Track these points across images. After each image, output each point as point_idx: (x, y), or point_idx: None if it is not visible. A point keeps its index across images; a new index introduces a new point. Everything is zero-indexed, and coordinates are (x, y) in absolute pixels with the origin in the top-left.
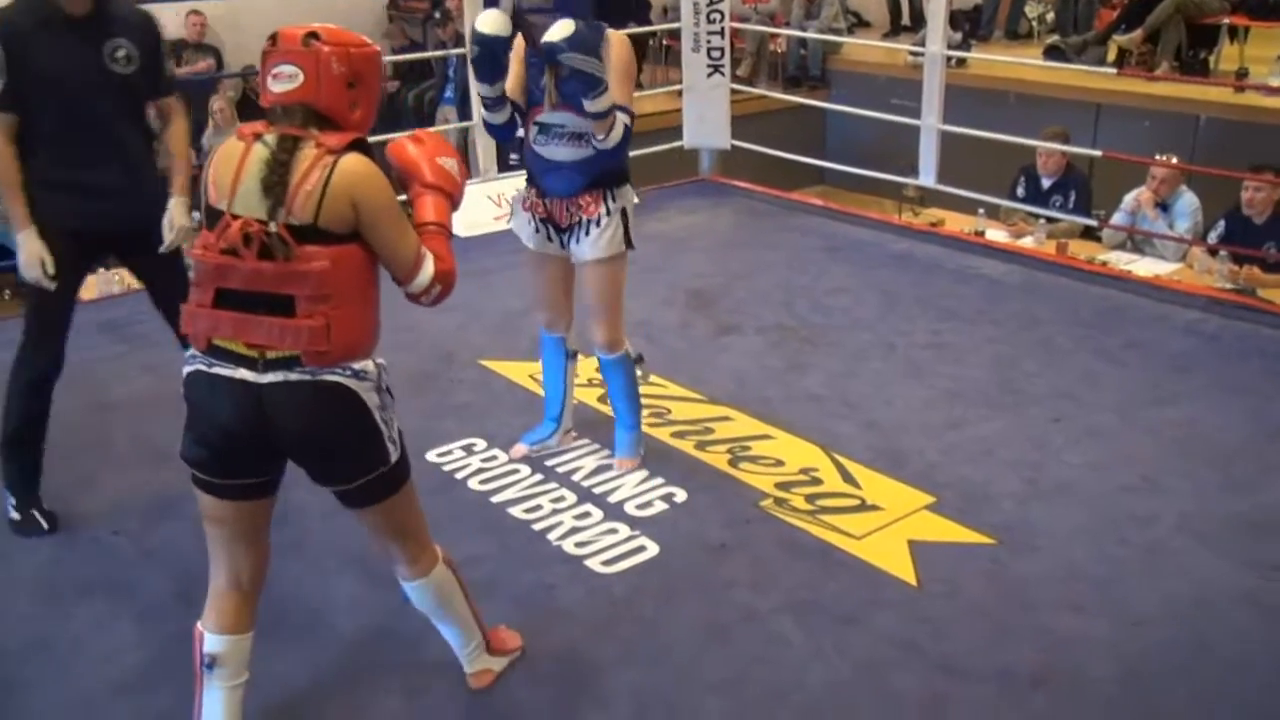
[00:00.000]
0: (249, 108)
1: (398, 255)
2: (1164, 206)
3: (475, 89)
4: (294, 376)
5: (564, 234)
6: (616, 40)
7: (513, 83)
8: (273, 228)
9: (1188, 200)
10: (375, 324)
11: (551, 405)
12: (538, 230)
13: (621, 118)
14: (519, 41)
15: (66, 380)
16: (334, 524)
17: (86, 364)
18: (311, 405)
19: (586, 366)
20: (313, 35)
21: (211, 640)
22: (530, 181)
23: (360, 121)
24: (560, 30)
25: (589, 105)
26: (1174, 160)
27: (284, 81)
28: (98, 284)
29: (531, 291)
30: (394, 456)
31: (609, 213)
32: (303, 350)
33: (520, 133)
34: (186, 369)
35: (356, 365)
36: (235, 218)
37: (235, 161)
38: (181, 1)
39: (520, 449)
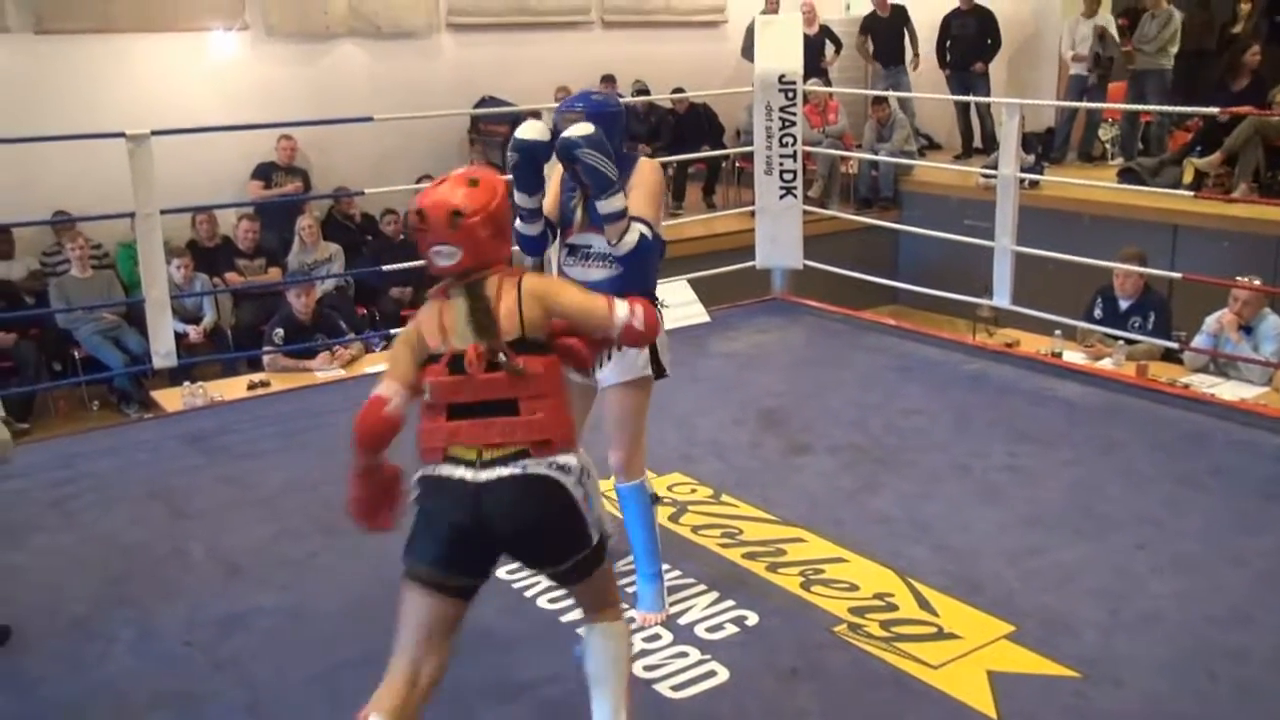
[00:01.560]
0: (334, 227)
1: (592, 314)
2: (1248, 329)
3: (514, 198)
4: (506, 471)
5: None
6: (647, 165)
7: (549, 202)
8: (496, 347)
9: (1272, 323)
10: (572, 423)
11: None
12: None
13: (639, 227)
14: (558, 168)
15: (148, 490)
16: None
17: (167, 475)
18: (529, 496)
19: (658, 486)
20: (457, 214)
21: None
22: None
23: (504, 244)
24: (580, 129)
25: (600, 205)
26: (1257, 282)
27: (446, 259)
28: (182, 397)
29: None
30: (595, 539)
31: None
32: (531, 441)
33: (550, 252)
34: (420, 481)
35: (561, 460)
36: (459, 350)
37: (438, 318)
38: (275, 128)
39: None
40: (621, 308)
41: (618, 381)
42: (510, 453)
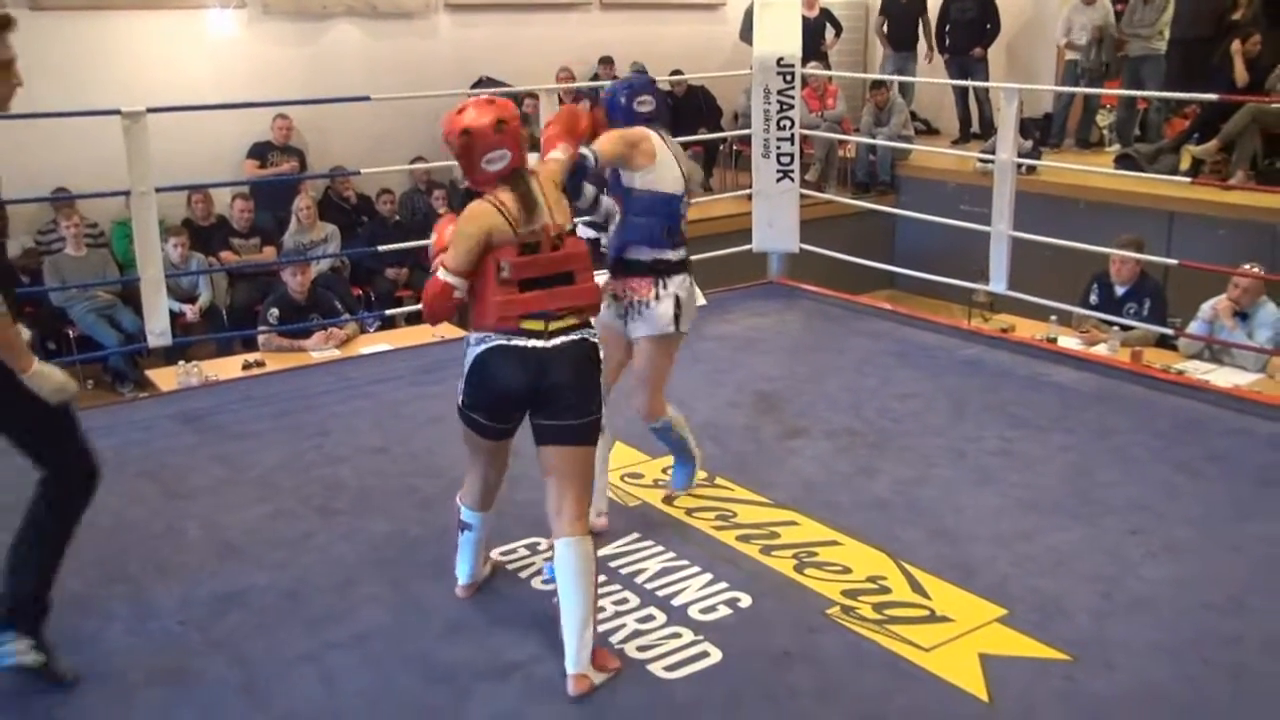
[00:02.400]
0: (330, 207)
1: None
2: (1244, 316)
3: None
4: (570, 338)
5: (631, 308)
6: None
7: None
8: (553, 230)
9: (1269, 310)
10: None
11: (672, 448)
12: (610, 306)
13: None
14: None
15: (141, 469)
16: None
17: (162, 454)
18: (581, 358)
19: (652, 469)
20: (500, 122)
21: (466, 513)
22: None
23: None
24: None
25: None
26: (1257, 269)
27: (499, 162)
28: (177, 376)
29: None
30: (600, 410)
31: (658, 297)
32: (587, 304)
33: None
34: (484, 348)
35: (594, 327)
36: (530, 231)
37: (505, 209)
38: (271, 107)
39: (672, 491)
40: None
41: (646, 335)
42: (568, 324)
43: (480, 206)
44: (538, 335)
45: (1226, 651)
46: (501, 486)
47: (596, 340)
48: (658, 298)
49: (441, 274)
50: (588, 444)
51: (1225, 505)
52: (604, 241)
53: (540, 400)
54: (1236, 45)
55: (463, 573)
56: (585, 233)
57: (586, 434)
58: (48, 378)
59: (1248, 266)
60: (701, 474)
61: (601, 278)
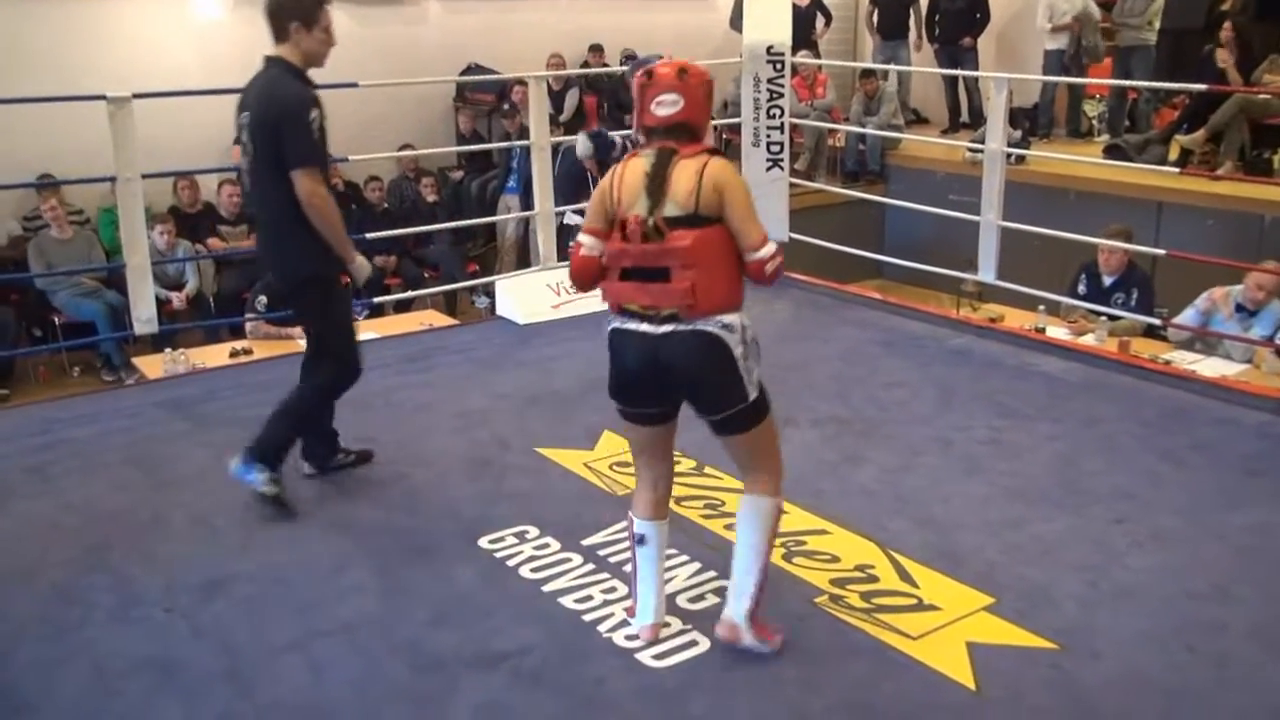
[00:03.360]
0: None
1: (748, 230)
2: (1250, 312)
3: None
4: (679, 327)
5: None
6: None
7: None
8: (650, 220)
9: (1275, 308)
10: (736, 288)
11: None
12: None
13: None
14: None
15: (127, 457)
16: None
17: (148, 442)
18: (694, 351)
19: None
20: (684, 70)
21: (639, 524)
22: None
23: (707, 133)
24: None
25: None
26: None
27: (669, 106)
28: (163, 363)
29: None
30: (752, 396)
31: None
32: (678, 305)
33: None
34: (608, 329)
35: (726, 320)
36: (626, 218)
37: (619, 179)
38: None
39: None
40: (769, 247)
41: None
42: (671, 313)
43: (615, 168)
44: (648, 319)
45: (1212, 639)
46: (662, 490)
47: (719, 334)
48: None
49: (580, 234)
50: (741, 432)
51: (1211, 494)
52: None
53: (666, 388)
54: (1224, 54)
55: (646, 608)
56: (572, 219)
57: (732, 426)
58: (362, 267)
59: (1273, 263)
60: (690, 462)
61: (563, 273)
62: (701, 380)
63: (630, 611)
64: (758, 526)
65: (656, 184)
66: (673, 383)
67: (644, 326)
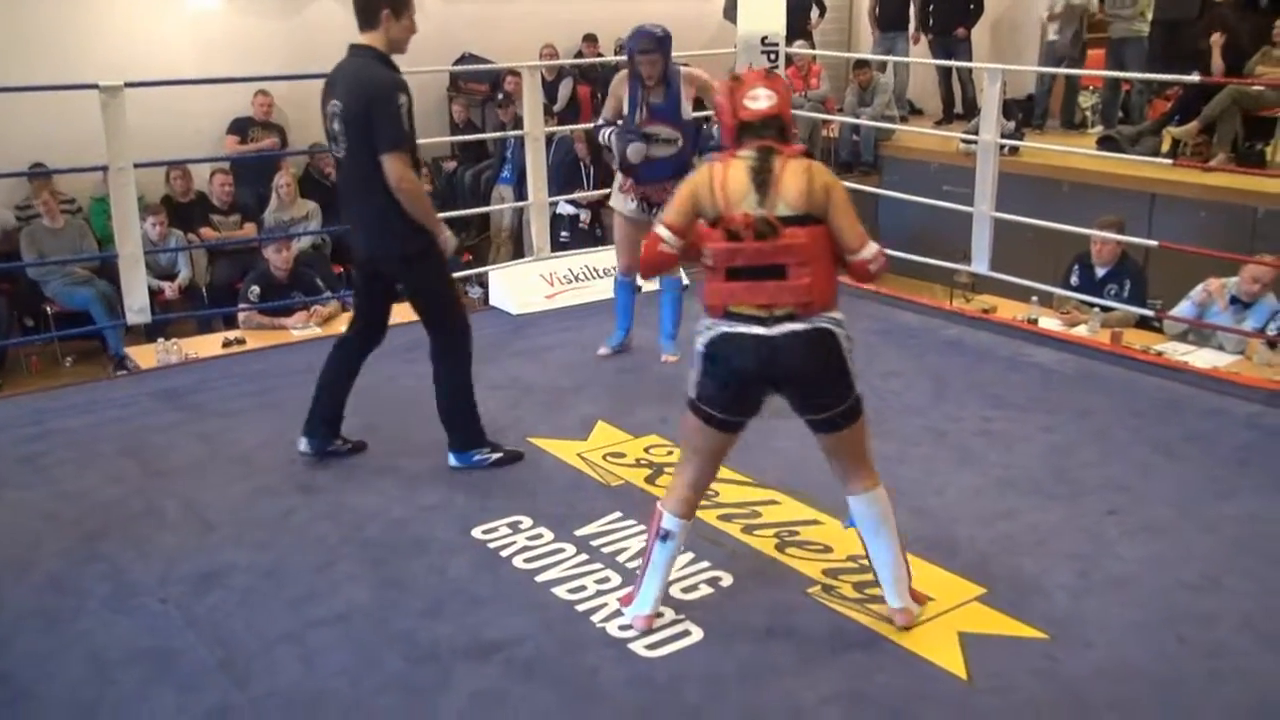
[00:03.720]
0: (310, 185)
1: (853, 232)
2: (1245, 304)
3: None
4: (797, 326)
5: (655, 207)
6: (692, 73)
7: (614, 107)
8: (763, 215)
9: (1270, 301)
10: (836, 283)
11: (623, 318)
12: (638, 205)
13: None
14: (620, 75)
15: (121, 447)
16: None
17: (141, 432)
18: (810, 348)
19: (634, 448)
20: (770, 70)
21: (669, 519)
22: (628, 173)
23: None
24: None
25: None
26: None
27: (763, 101)
28: (156, 354)
29: (619, 248)
30: (857, 390)
31: None
32: (798, 303)
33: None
34: (709, 335)
35: (835, 315)
36: (734, 217)
37: (721, 179)
38: (251, 82)
39: (603, 350)
40: (871, 248)
41: None
42: (790, 310)
43: (701, 168)
44: (760, 321)
45: (1202, 630)
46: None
47: (832, 329)
48: None
49: (656, 226)
50: (847, 427)
51: (1202, 485)
52: (583, 217)
53: (778, 390)
54: (1216, 37)
55: (647, 600)
56: (566, 209)
57: (838, 423)
58: (450, 239)
59: (1267, 256)
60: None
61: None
62: (817, 378)
63: (625, 600)
64: (884, 522)
65: (765, 181)
66: (785, 383)
67: (757, 329)
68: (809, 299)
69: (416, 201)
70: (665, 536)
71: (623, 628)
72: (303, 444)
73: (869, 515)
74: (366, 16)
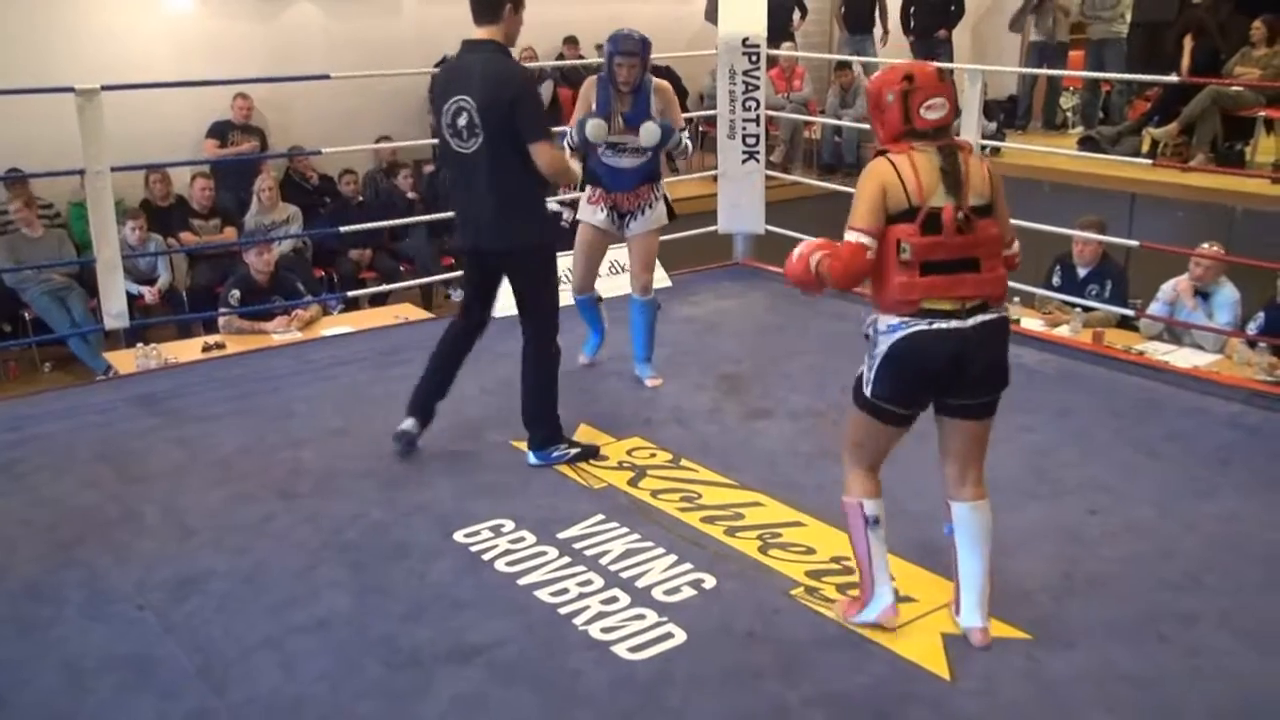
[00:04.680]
0: (291, 188)
1: (1008, 224)
2: (1204, 296)
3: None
4: (987, 317)
5: (625, 216)
6: (663, 85)
7: (583, 110)
8: (960, 212)
9: (1229, 292)
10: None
11: (595, 326)
12: (608, 215)
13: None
14: (589, 80)
15: (98, 453)
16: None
17: (119, 438)
18: (999, 336)
19: (617, 450)
20: (942, 72)
21: (871, 505)
22: (595, 184)
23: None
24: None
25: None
26: (1217, 248)
27: (939, 110)
28: (135, 358)
29: (579, 261)
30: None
31: (657, 198)
32: (993, 295)
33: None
34: (899, 335)
35: (1007, 305)
36: (934, 209)
37: (911, 172)
38: (229, 85)
39: (584, 359)
40: (1017, 244)
41: (647, 230)
42: (981, 302)
43: (877, 163)
44: (955, 315)
45: (1184, 628)
46: None
47: (1009, 317)
48: (657, 198)
49: (850, 235)
50: (988, 417)
51: (1183, 484)
52: (566, 215)
53: (959, 380)
54: (1188, 40)
55: (884, 591)
56: (551, 206)
57: (988, 410)
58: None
59: (1206, 246)
60: (666, 455)
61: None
62: (999, 364)
63: (854, 607)
64: (987, 536)
65: (954, 178)
66: (974, 373)
67: (954, 323)
68: (1003, 292)
69: (565, 175)
70: (875, 522)
71: (605, 630)
72: (408, 423)
73: (977, 524)
74: (488, 10)
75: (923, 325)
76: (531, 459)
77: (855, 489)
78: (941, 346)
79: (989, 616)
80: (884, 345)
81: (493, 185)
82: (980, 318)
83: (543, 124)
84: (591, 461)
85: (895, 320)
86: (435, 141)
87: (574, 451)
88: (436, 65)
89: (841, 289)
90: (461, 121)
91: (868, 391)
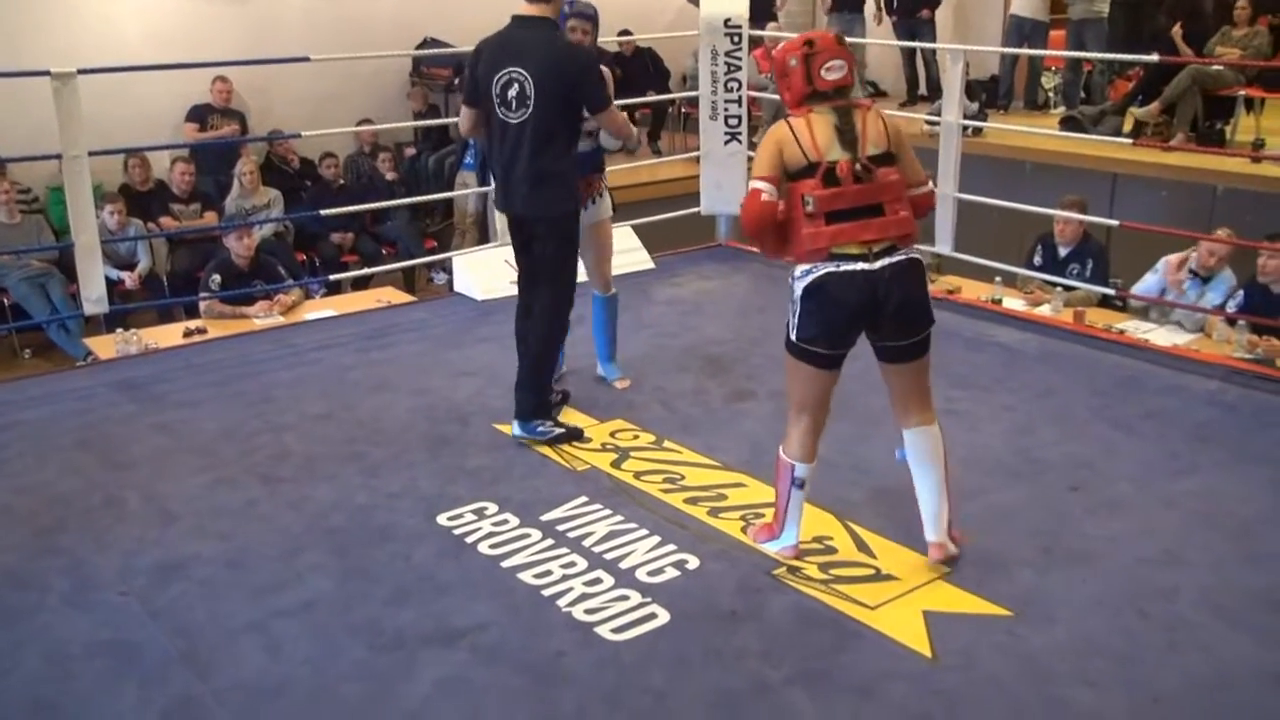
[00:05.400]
0: (272, 173)
1: (914, 167)
2: (1203, 279)
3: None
4: (895, 258)
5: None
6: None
7: None
8: (858, 163)
9: (1227, 276)
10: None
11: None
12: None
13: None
14: None
15: (79, 439)
16: None
17: (100, 424)
18: (908, 276)
19: (600, 433)
20: (840, 39)
21: (800, 468)
22: None
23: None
24: None
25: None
26: (1222, 233)
27: (837, 71)
28: (116, 344)
29: None
30: (932, 320)
31: (605, 189)
32: (900, 235)
33: None
34: (811, 277)
35: (919, 248)
36: (831, 163)
37: (807, 133)
38: (207, 68)
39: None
40: (929, 183)
41: (597, 220)
42: (888, 245)
43: (776, 126)
44: (862, 259)
45: (1163, 604)
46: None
47: (920, 259)
48: (603, 191)
49: (751, 184)
50: (921, 357)
51: (1163, 461)
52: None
53: (876, 321)
54: (1176, 29)
55: (792, 534)
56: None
57: (919, 350)
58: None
59: (1221, 232)
60: (649, 437)
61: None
62: (913, 303)
63: (763, 535)
64: (934, 458)
65: (849, 135)
66: (885, 313)
67: (861, 265)
68: (909, 230)
69: (632, 135)
70: (800, 484)
71: (589, 611)
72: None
73: (922, 448)
74: None
75: (831, 268)
76: (516, 429)
77: (793, 449)
78: (851, 284)
79: (946, 534)
80: (798, 289)
81: (535, 154)
82: (888, 260)
83: (609, 94)
84: (575, 444)
85: (807, 266)
86: (416, 124)
87: (558, 431)
88: (418, 47)
89: (753, 236)
90: (512, 92)
91: (793, 336)
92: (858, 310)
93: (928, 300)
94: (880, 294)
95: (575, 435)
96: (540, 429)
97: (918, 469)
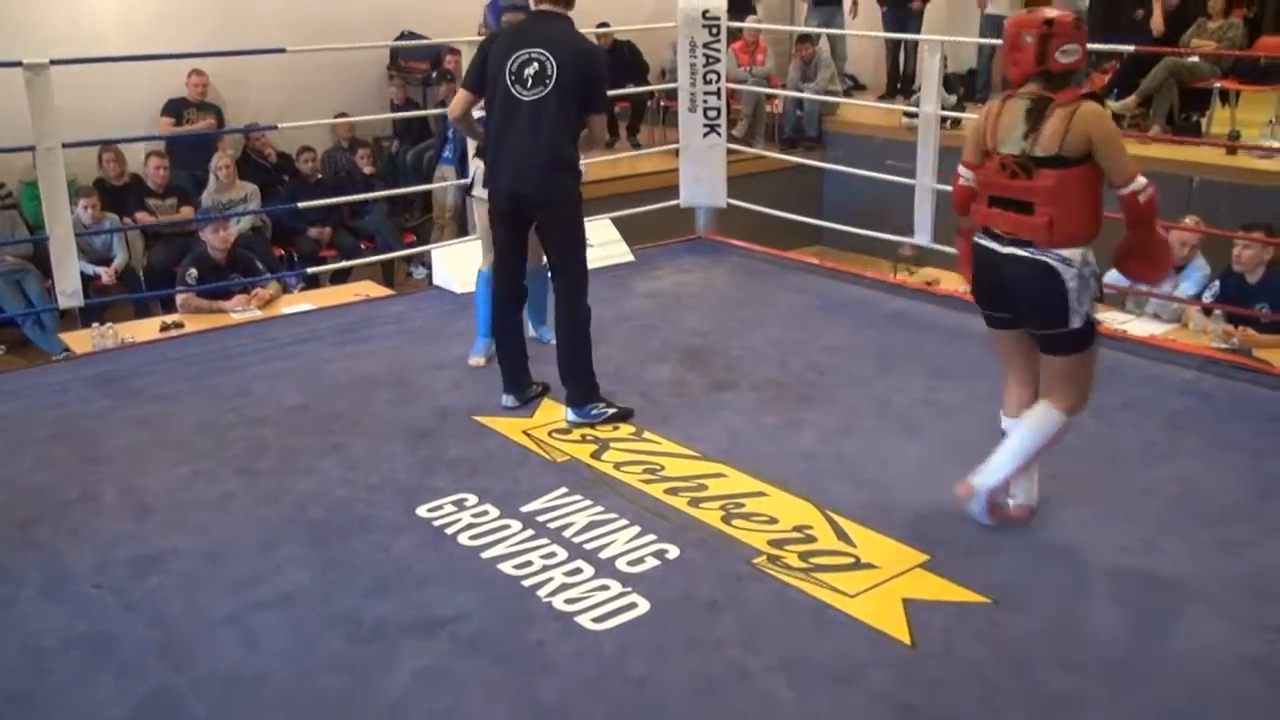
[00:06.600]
0: (249, 167)
1: (1121, 167)
2: (1176, 268)
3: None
4: (1020, 252)
5: None
6: None
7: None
8: (1021, 158)
9: (1200, 264)
10: (1090, 223)
11: (483, 324)
12: None
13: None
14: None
15: (54, 433)
16: None
17: (76, 418)
18: (1026, 272)
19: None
20: (1079, 22)
21: (1004, 421)
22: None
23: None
24: None
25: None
26: (1198, 222)
27: (1071, 55)
28: (91, 338)
29: (486, 240)
30: (1075, 325)
31: None
32: (1033, 237)
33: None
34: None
35: (1064, 253)
36: (1000, 154)
37: (994, 119)
38: (182, 59)
39: (475, 360)
40: (1140, 180)
41: None
42: (1021, 238)
43: (984, 108)
44: (997, 239)
45: (1140, 591)
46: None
47: (1055, 264)
48: None
49: (960, 167)
50: (1059, 354)
51: (1139, 449)
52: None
53: (1009, 302)
54: (1156, 20)
55: (1025, 490)
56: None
57: (1052, 345)
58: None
59: (1189, 220)
60: (629, 428)
61: None
62: (1030, 300)
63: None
64: (1036, 426)
65: (1032, 127)
66: (1013, 297)
67: (993, 244)
68: (1047, 236)
69: (604, 139)
70: (1004, 433)
71: (569, 601)
72: (508, 399)
73: (1036, 417)
74: None
75: (978, 238)
76: (570, 415)
77: (1004, 400)
78: (984, 260)
79: (987, 488)
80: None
81: (550, 132)
82: (1013, 250)
83: (607, 99)
84: (553, 434)
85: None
86: (394, 116)
87: (611, 411)
88: (396, 39)
89: (960, 213)
90: (530, 71)
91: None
92: (987, 284)
93: (1059, 304)
94: (999, 277)
95: (627, 415)
96: (594, 411)
97: (1012, 426)
